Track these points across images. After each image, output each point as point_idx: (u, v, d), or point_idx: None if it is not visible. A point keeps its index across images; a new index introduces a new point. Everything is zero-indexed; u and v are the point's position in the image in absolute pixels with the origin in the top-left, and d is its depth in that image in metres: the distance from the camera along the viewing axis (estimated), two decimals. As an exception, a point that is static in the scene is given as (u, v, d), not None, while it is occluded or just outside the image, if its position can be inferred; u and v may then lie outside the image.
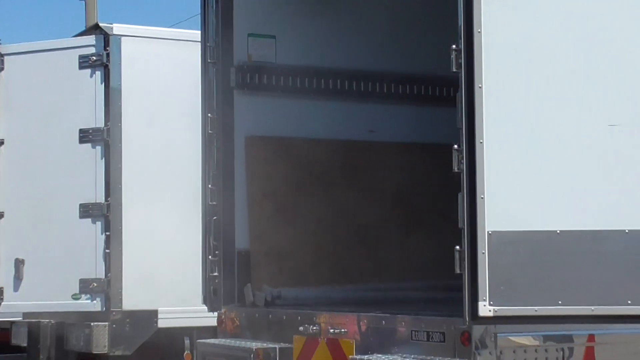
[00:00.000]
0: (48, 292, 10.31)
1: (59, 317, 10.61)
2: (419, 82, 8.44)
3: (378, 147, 8.23)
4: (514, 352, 5.49)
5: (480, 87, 5.37)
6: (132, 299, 10.14)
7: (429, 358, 5.69)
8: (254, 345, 6.85)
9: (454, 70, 5.45)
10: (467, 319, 5.36)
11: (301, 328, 6.62)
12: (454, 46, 5.42)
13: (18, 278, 10.40)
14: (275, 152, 7.77)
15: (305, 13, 8.04)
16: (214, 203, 7.47)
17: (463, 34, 5.39)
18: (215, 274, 7.45)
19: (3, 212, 10.53)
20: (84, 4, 24.26)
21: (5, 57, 10.60)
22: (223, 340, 7.35)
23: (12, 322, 11.39)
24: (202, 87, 7.59)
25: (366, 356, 6.02)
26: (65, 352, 10.66)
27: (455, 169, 5.43)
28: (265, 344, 6.84)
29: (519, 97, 5.46)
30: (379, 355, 5.99)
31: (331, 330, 6.43)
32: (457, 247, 5.39)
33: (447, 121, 7.11)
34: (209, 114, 7.51)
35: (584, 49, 5.52)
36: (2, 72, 10.60)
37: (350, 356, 6.17)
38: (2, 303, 10.44)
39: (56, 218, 10.32)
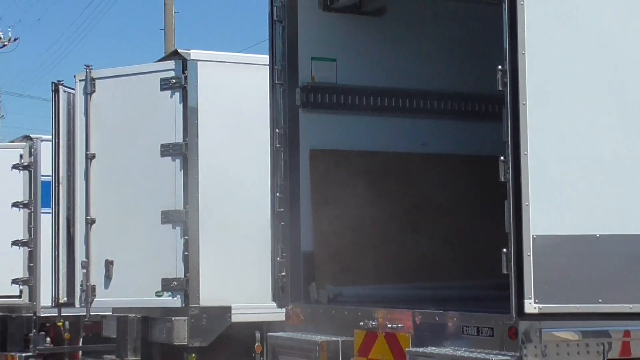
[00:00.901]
0: (134, 290, 10.31)
1: (143, 312, 10.62)
2: (466, 99, 8.35)
3: (429, 159, 8.15)
4: (557, 346, 5.38)
5: (524, 104, 5.30)
6: (209, 296, 10.10)
7: (478, 351, 5.60)
8: (319, 338, 6.80)
9: (500, 89, 5.36)
10: (514, 315, 5.28)
11: (361, 323, 6.56)
12: (499, 67, 5.34)
13: (108, 277, 10.42)
14: (336, 163, 7.73)
15: (362, 39, 8.01)
16: (282, 210, 7.44)
17: (508, 55, 5.32)
18: (283, 273, 7.42)
19: (95, 218, 10.56)
20: (163, 32, 24.45)
21: (97, 81, 10.63)
22: (290, 333, 7.31)
23: (103, 316, 11.43)
24: (270, 105, 7.56)
25: (421, 349, 5.95)
26: (149, 343, 10.67)
27: (502, 179, 5.36)
28: (328, 337, 6.79)
29: (561, 112, 5.39)
30: (433, 348, 5.92)
31: (389, 325, 6.36)
32: (504, 250, 5.31)
33: (491, 135, 7.05)
34: (277, 130, 7.49)
35: (623, 67, 5.42)
36: (94, 94, 10.63)
37: (406, 349, 6.09)
38: (95, 299, 10.45)
39: (141, 224, 10.32)
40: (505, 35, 5.33)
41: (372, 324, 6.48)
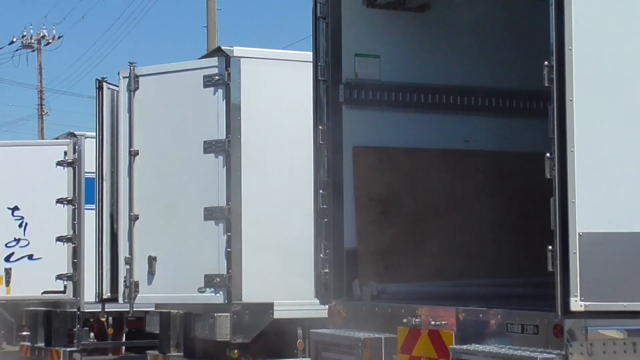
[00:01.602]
0: (177, 286, 10.36)
1: (186, 308, 10.67)
2: (510, 96, 8.30)
3: (472, 155, 8.11)
4: (603, 344, 5.33)
5: (571, 100, 5.25)
6: (251, 293, 10.13)
7: (523, 348, 5.56)
8: (362, 335, 6.79)
9: (546, 85, 5.32)
10: (559, 313, 5.23)
11: (405, 320, 6.54)
12: (546, 63, 5.30)
13: (151, 273, 10.48)
14: (380, 160, 7.71)
15: (406, 35, 7.99)
16: (325, 206, 7.44)
17: (555, 51, 5.27)
18: (326, 270, 7.41)
19: (138, 214, 10.62)
20: (205, 29, 24.55)
21: (140, 78, 10.69)
22: (333, 330, 7.30)
23: (146, 312, 11.50)
24: (314, 102, 7.56)
25: (465, 346, 5.92)
26: (192, 339, 10.71)
27: (548, 175, 5.32)
28: (371, 334, 6.78)
29: (608, 108, 5.33)
30: (477, 345, 5.89)
31: (432, 322, 6.34)
32: (550, 247, 5.27)
33: (536, 132, 7.00)
34: (320, 126, 7.49)
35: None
36: (137, 91, 10.70)
37: (450, 346, 6.06)
38: (138, 295, 10.52)
39: (184, 220, 10.37)
40: (552, 30, 5.28)
41: (415, 321, 6.46)
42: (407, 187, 7.76)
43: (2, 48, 46.41)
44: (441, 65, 8.12)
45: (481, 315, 6.00)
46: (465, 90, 8.13)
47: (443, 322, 6.26)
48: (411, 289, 7.57)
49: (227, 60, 10.21)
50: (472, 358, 5.77)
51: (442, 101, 8.03)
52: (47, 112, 42.70)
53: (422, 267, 7.67)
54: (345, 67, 7.61)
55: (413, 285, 7.61)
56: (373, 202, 7.64)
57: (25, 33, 42.75)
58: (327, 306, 7.51)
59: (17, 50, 42.84)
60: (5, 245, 14.93)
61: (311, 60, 7.66)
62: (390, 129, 7.85)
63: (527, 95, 8.22)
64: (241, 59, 10.23)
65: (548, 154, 5.31)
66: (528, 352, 5.45)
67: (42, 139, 35.65)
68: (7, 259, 14.93)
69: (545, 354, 5.35)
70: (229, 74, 10.18)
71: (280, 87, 10.33)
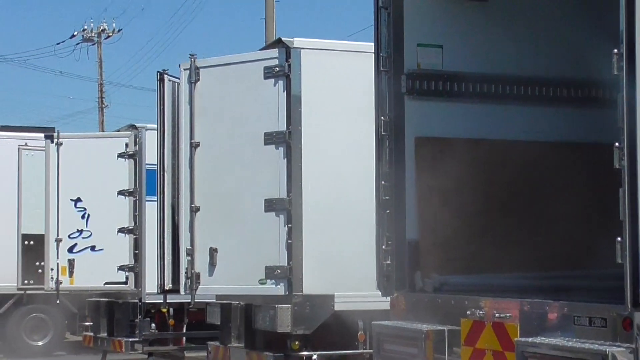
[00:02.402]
0: (238, 277, 10.38)
1: (247, 299, 10.69)
2: (573, 85, 8.17)
3: (536, 146, 8.00)
4: (674, 338, 5.21)
5: (641, 89, 5.14)
6: (312, 284, 10.11)
7: (590, 342, 5.47)
8: (425, 327, 6.74)
9: (615, 73, 5.21)
10: (629, 305, 5.13)
11: (468, 312, 6.47)
12: (615, 50, 5.19)
13: (212, 265, 10.51)
14: (442, 151, 7.64)
15: (468, 24, 7.89)
16: (387, 198, 7.39)
17: (625, 38, 5.16)
18: (388, 262, 7.36)
19: (199, 206, 10.65)
20: (264, 21, 24.60)
21: (201, 70, 10.71)
22: (396, 322, 7.26)
23: (207, 303, 11.55)
24: (375, 93, 7.51)
25: (530, 339, 5.84)
26: (253, 330, 10.73)
27: (617, 165, 5.22)
28: (434, 326, 6.73)
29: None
30: (543, 338, 5.80)
31: (496, 315, 6.26)
32: (619, 239, 5.17)
33: (602, 121, 6.88)
34: (382, 117, 7.43)
35: None
36: (198, 83, 10.72)
37: (515, 339, 5.98)
38: (199, 286, 10.55)
39: (244, 212, 10.38)
40: (622, 17, 5.17)
41: (479, 313, 6.39)
42: (470, 178, 7.68)
43: (63, 42, 46.99)
44: (504, 54, 8.02)
45: (547, 307, 5.91)
46: (528, 80, 8.02)
47: (507, 315, 6.18)
48: (473, 280, 7.49)
49: (287, 51, 10.19)
50: (538, 351, 5.69)
51: (506, 91, 7.93)
52: (107, 105, 43.16)
53: (484, 259, 7.59)
54: (408, 57, 7.54)
55: (475, 277, 7.53)
56: (435, 193, 7.58)
57: (85, 27, 43.26)
58: (388, 298, 7.46)
59: (77, 44, 43.40)
60: (69, 236, 15.10)
61: (372, 50, 7.61)
62: (453, 119, 7.77)
63: (592, 84, 8.08)
64: (302, 50, 10.20)
65: (617, 144, 5.20)
66: (596, 346, 5.36)
67: (102, 131, 36.02)
68: (70, 250, 15.10)
69: (614, 348, 5.26)
70: (289, 65, 10.16)
71: (340, 78, 10.28)
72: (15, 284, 17.12)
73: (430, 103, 7.68)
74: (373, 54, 7.55)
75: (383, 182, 7.40)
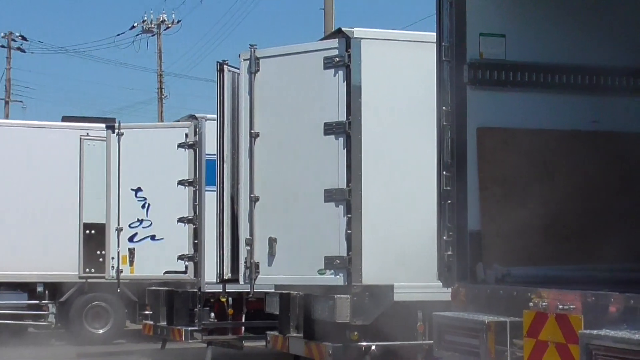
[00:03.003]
0: (297, 267, 10.40)
1: (306, 289, 10.72)
2: (639, 74, 8.04)
3: (600, 137, 7.90)
4: None
5: None
6: (371, 275, 10.11)
7: (657, 334, 5.38)
8: (487, 318, 6.68)
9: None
10: (696, 298, 5.03)
11: (531, 304, 6.41)
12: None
13: (271, 254, 10.54)
14: (505, 141, 7.57)
15: (531, 13, 7.80)
16: (448, 188, 7.35)
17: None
18: (449, 252, 7.32)
19: (259, 196, 10.68)
20: (322, 11, 24.58)
21: (261, 60, 10.73)
22: (457, 313, 7.21)
23: (266, 293, 11.60)
24: (437, 83, 7.46)
25: (595, 331, 5.75)
26: (311, 320, 10.75)
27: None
28: (496, 318, 6.67)
29: None
30: (608, 330, 5.72)
31: (560, 306, 6.18)
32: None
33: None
34: (444, 107, 7.38)
35: None
36: (258, 73, 10.75)
37: (579, 331, 5.91)
38: (258, 276, 10.59)
39: (304, 202, 10.40)
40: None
41: (542, 305, 6.32)
42: (532, 168, 7.61)
43: (123, 33, 47.48)
44: (567, 44, 7.92)
45: (612, 299, 5.83)
46: (592, 70, 7.91)
47: (571, 306, 6.11)
48: (536, 272, 7.42)
49: (347, 41, 10.18)
50: (603, 343, 5.61)
51: (569, 81, 7.84)
52: (166, 96, 43.47)
53: (548, 250, 7.52)
54: (470, 47, 7.48)
55: (538, 269, 7.46)
56: (497, 183, 7.52)
57: (145, 18, 43.65)
58: (449, 289, 7.41)
59: (137, 35, 43.79)
60: (129, 225, 15.24)
61: (433, 40, 7.56)
62: (515, 109, 7.70)
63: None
64: (362, 40, 10.18)
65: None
66: (663, 338, 5.28)
67: (162, 122, 36.29)
68: (130, 239, 15.24)
69: (681, 340, 5.17)
70: (349, 56, 10.15)
71: (401, 68, 10.25)
72: (77, 273, 17.32)
73: (492, 93, 7.62)
74: (434, 44, 7.50)
75: (444, 173, 7.36)
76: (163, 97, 43.30)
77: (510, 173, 7.54)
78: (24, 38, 45.52)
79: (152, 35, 43.56)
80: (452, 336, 7.09)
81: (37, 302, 18.69)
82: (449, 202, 7.32)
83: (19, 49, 45.54)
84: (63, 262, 17.88)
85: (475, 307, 7.12)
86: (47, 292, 18.70)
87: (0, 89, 47.17)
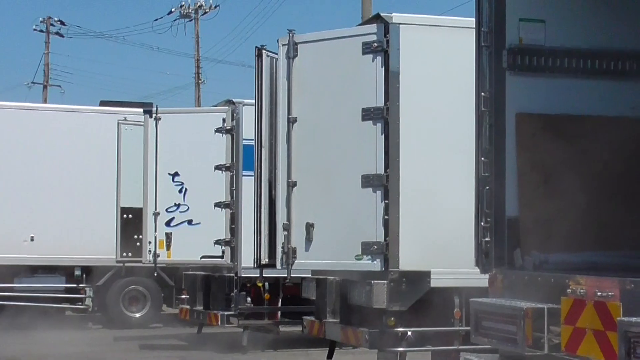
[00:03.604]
0: (334, 253, 10.46)
1: (343, 275, 10.78)
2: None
3: (640, 123, 7.86)
4: None
5: None
6: (408, 261, 10.15)
7: (696, 322, 5.38)
8: (524, 305, 6.69)
9: None
10: None
11: (569, 290, 6.41)
12: None
13: (308, 240, 10.60)
14: (544, 127, 7.56)
15: (572, -1, 7.78)
16: (486, 174, 7.34)
17: None
18: (487, 239, 7.32)
19: (296, 181, 10.74)
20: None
21: (299, 45, 10.77)
22: (494, 299, 7.22)
23: (302, 278, 11.66)
24: (476, 68, 7.45)
25: (634, 318, 5.76)
26: (348, 306, 10.80)
27: None
28: (534, 304, 6.68)
29: None
30: (646, 317, 5.72)
31: (598, 294, 6.19)
32: None
33: None
34: (482, 93, 7.37)
35: None
36: (296, 58, 10.79)
37: (617, 318, 5.91)
38: (295, 261, 10.65)
39: (341, 187, 10.44)
40: None
41: (580, 292, 6.32)
42: (571, 155, 7.59)
43: (161, 18, 47.98)
44: (607, 29, 7.87)
45: (651, 286, 5.83)
46: (633, 55, 7.88)
47: (610, 294, 6.11)
48: (574, 259, 7.41)
49: (386, 27, 10.20)
50: (642, 331, 5.62)
51: (610, 66, 7.80)
52: (203, 81, 43.64)
53: (587, 237, 7.50)
54: (509, 32, 7.47)
55: (576, 255, 7.45)
56: (536, 170, 7.51)
57: (183, 3, 43.79)
58: (486, 275, 7.43)
59: (175, 20, 43.98)
60: (166, 210, 15.37)
61: (472, 26, 7.55)
62: (555, 95, 7.68)
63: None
64: (400, 26, 10.20)
65: None
66: (703, 326, 5.27)
67: (199, 107, 36.45)
68: (167, 223, 15.38)
69: None
70: (387, 41, 10.17)
71: (439, 53, 10.26)
72: (114, 257, 17.50)
73: (532, 79, 7.61)
74: (474, 29, 7.50)
75: (482, 159, 7.36)
76: (200, 82, 43.48)
77: (549, 159, 7.53)
78: (62, 23, 45.92)
79: (190, 20, 43.74)
80: (489, 322, 7.11)
81: (74, 285, 18.93)
82: (487, 188, 7.32)
83: (57, 33, 45.95)
84: (101, 246, 18.10)
85: (513, 293, 7.13)
86: (84, 275, 18.95)
87: (38, 74, 47.58)
